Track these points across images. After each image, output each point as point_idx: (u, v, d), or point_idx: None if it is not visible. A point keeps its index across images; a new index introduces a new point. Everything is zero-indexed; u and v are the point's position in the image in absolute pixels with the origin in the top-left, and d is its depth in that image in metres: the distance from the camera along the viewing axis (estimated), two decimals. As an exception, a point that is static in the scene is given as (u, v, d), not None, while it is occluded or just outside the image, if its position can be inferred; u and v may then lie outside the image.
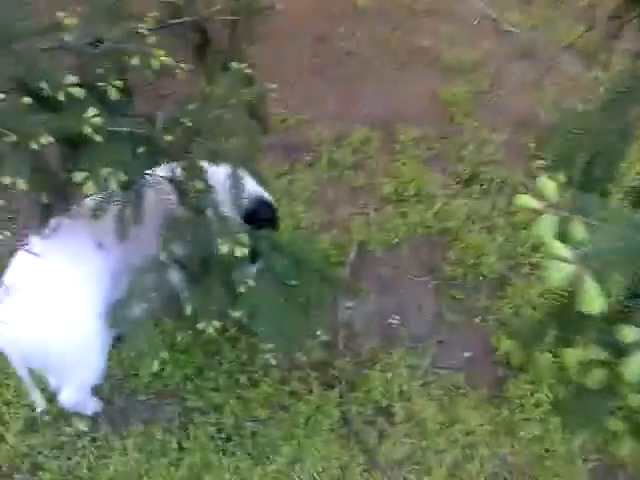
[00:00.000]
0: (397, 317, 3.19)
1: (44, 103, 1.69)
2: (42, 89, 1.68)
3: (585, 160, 1.80)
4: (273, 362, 2.14)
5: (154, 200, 2.01)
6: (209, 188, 1.99)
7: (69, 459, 2.52)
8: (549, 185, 1.31)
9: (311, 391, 2.79)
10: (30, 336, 2.08)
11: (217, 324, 2.03)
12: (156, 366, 2.02)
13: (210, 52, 2.46)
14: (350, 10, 5.19)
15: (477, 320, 3.21)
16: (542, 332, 1.70)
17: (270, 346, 2.10)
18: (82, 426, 2.58)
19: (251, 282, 1.95)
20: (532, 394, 2.86)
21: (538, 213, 1.28)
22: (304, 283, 2.07)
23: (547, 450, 2.71)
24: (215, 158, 1.98)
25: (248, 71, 2.21)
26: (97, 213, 1.91)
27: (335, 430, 2.69)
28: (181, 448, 2.57)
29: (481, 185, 3.85)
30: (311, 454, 2.58)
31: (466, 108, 4.37)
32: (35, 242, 2.09)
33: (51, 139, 1.56)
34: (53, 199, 1.90)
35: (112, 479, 2.47)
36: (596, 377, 1.40)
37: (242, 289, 1.95)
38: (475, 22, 5.25)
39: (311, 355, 2.91)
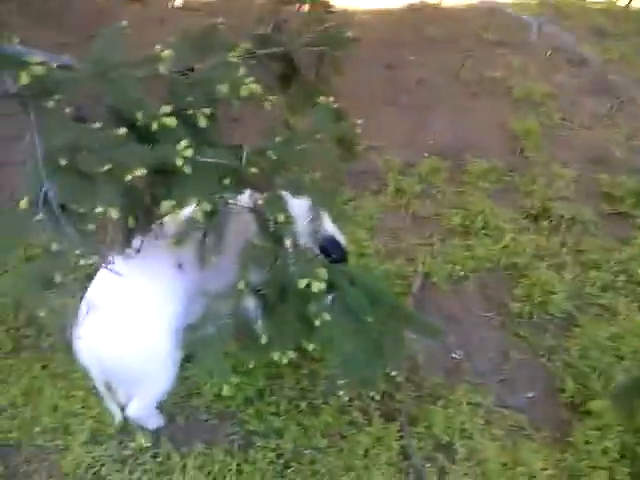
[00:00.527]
0: (460, 352, 3.14)
1: (137, 132, 1.74)
2: (137, 119, 1.74)
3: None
4: (346, 399, 2.12)
5: (235, 228, 2.04)
6: (289, 219, 2.01)
7: (131, 473, 2.55)
8: None
9: (371, 422, 2.77)
10: (109, 351, 2.15)
11: (292, 354, 2.04)
12: (226, 390, 2.04)
13: (296, 82, 2.50)
14: (420, 39, 5.23)
15: (542, 359, 3.14)
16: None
17: (343, 381, 2.08)
18: (145, 442, 2.61)
19: (327, 316, 1.95)
20: (600, 440, 2.77)
21: None
22: (378, 319, 2.06)
23: (615, 498, 2.62)
24: (298, 190, 2.00)
25: (335, 105, 2.24)
26: (179, 238, 1.96)
27: (394, 464, 2.66)
28: (240, 471, 2.58)
29: (550, 221, 3.79)
30: (370, 486, 2.56)
31: (536, 141, 4.33)
32: (118, 261, 2.15)
33: (144, 171, 1.61)
34: (138, 222, 1.95)
35: (172, 497, 2.50)
36: None
37: (317, 322, 1.95)
38: (547, 54, 5.21)
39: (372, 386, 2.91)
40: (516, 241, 3.63)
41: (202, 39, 2.04)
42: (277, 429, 2.72)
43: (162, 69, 1.81)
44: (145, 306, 2.20)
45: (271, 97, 2.08)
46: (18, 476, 2.57)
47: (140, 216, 1.96)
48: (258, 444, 2.66)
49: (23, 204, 1.54)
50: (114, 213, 1.58)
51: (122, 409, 2.47)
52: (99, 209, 1.55)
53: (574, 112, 4.63)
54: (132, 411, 2.48)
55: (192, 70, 2.00)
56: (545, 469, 2.69)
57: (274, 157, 1.95)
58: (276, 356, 2.08)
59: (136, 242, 2.16)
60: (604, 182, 4.11)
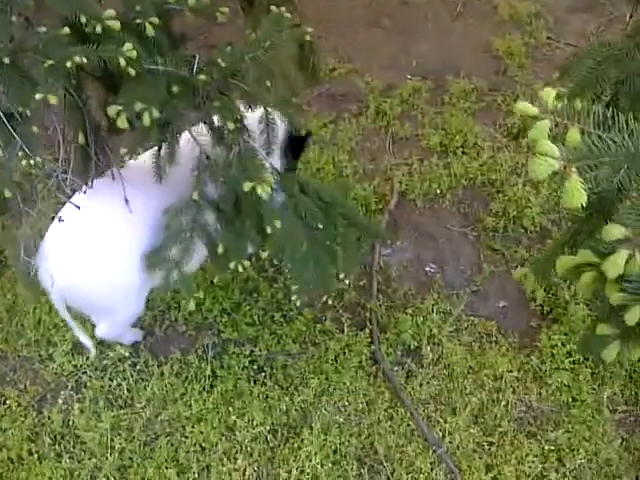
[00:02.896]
0: (434, 266, 3.22)
1: (82, 35, 1.78)
2: (81, 22, 1.77)
3: (610, 90, 1.78)
4: (298, 303, 2.21)
5: (191, 140, 2.09)
6: (243, 129, 2.05)
7: (111, 380, 2.69)
8: (549, 93, 1.34)
9: (342, 331, 2.87)
10: (75, 282, 2.21)
11: (247, 263, 2.12)
12: (192, 306, 2.13)
13: (259, 3, 2.49)
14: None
15: (515, 271, 3.20)
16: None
17: (296, 287, 2.16)
18: (124, 352, 2.73)
19: (278, 223, 2.01)
20: (564, 345, 2.86)
21: (536, 119, 1.31)
22: (330, 226, 2.12)
23: (574, 399, 2.72)
24: (250, 100, 2.04)
25: (288, 15, 2.24)
26: (135, 151, 2.01)
27: (363, 367, 2.77)
28: (215, 376, 2.70)
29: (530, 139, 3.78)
30: (338, 388, 2.68)
31: (520, 61, 4.27)
32: (79, 195, 2.22)
33: (84, 59, 1.65)
34: (88, 140, 1.99)
35: (149, 400, 2.63)
36: (584, 280, 1.41)
37: (269, 229, 2.01)
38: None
39: (345, 297, 3.00)
40: (494, 159, 3.64)
41: None
42: (251, 337, 2.83)
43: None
44: (110, 234, 2.25)
45: (222, 9, 2.10)
46: (4, 384, 2.71)
47: (93, 136, 2.00)
48: (232, 351, 2.77)
49: (-34, 103, 1.59)
50: (53, 99, 1.63)
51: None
52: (38, 95, 1.59)
53: (561, 31, 4.55)
54: (101, 333, 2.54)
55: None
56: (510, 371, 2.80)
57: (223, 65, 1.98)
58: (232, 264, 2.16)
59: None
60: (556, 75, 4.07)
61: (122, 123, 1.84)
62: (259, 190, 1.90)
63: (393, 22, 4.59)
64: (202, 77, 1.96)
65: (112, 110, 1.83)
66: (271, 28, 2.12)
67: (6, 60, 1.62)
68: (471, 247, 3.31)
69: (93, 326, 2.55)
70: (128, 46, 1.77)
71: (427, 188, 3.51)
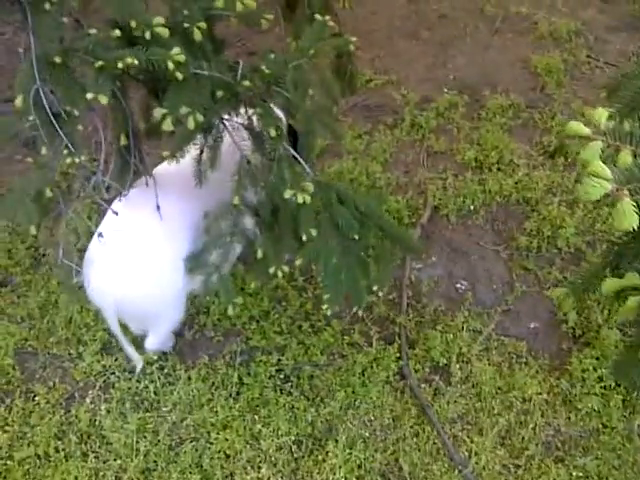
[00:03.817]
0: (465, 283, 3.19)
1: (131, 39, 1.79)
2: (131, 27, 1.78)
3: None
4: (328, 313, 2.19)
5: (231, 146, 2.10)
6: (283, 136, 2.06)
7: (138, 382, 2.69)
8: (601, 114, 1.32)
9: (371, 344, 2.85)
10: (122, 292, 2.24)
11: (286, 269, 2.12)
12: (231, 310, 2.14)
13: (300, 7, 2.50)
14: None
15: (547, 292, 3.16)
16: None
17: (327, 296, 2.15)
18: (152, 355, 2.74)
19: (314, 232, 2.01)
20: (595, 369, 2.81)
21: (587, 140, 1.30)
22: (365, 238, 2.11)
23: (605, 425, 2.66)
24: (290, 107, 2.04)
25: (332, 24, 2.24)
26: (177, 155, 2.02)
27: (390, 383, 2.74)
28: (242, 383, 2.69)
29: (566, 158, 3.74)
30: (364, 402, 2.65)
31: (558, 78, 4.24)
32: (117, 203, 2.24)
33: (135, 61, 1.66)
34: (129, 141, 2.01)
35: (176, 405, 2.63)
36: (630, 304, 1.39)
37: (304, 237, 2.01)
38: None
39: (374, 311, 2.98)
40: (529, 177, 3.61)
41: None
42: (279, 346, 2.82)
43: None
44: (150, 243, 2.28)
45: (267, 15, 2.11)
46: (34, 380, 2.73)
47: (131, 135, 2.01)
48: (260, 359, 2.77)
49: (18, 102, 1.61)
50: (103, 99, 1.64)
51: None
52: (89, 95, 1.61)
53: (601, 50, 4.51)
54: (150, 346, 2.58)
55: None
56: (539, 394, 2.75)
57: (267, 72, 1.98)
58: (272, 269, 2.16)
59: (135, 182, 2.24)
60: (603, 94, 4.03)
61: (167, 126, 1.85)
62: (299, 198, 1.90)
63: (431, 35, 4.59)
64: (246, 83, 1.97)
65: (158, 113, 1.84)
66: (315, 36, 2.13)
67: (57, 60, 1.64)
68: (503, 265, 3.28)
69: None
70: (176, 50, 1.78)
71: (461, 204, 3.49)
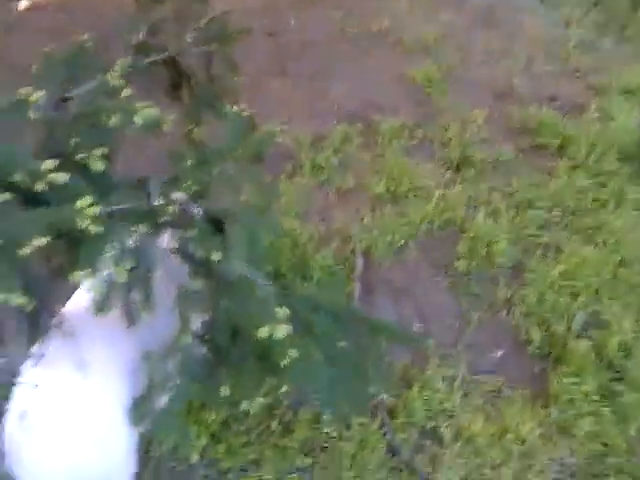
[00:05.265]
0: (420, 325, 2.99)
1: (24, 195, 1.41)
2: (19, 182, 1.39)
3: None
4: (334, 435, 1.90)
5: (162, 276, 1.74)
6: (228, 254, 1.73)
7: None
8: None
9: (349, 426, 2.58)
10: (61, 467, 1.80)
11: (262, 400, 1.79)
12: (195, 457, 1.78)
13: (187, 89, 2.19)
14: (300, 1, 4.93)
15: (501, 314, 3.04)
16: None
17: (327, 415, 1.86)
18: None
19: (294, 353, 1.69)
20: (577, 385, 2.71)
21: None
22: (350, 339, 1.83)
23: (606, 445, 2.56)
24: (230, 218, 1.73)
25: (246, 114, 1.96)
26: (102, 307, 1.63)
27: (384, 464, 2.48)
28: (224, 516, 2.34)
29: (474, 168, 3.66)
30: (366, 499, 2.38)
31: (439, 87, 4.18)
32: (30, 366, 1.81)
33: (43, 240, 1.29)
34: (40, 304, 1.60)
35: None
36: None
37: (284, 363, 1.69)
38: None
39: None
40: (446, 196, 3.49)
41: (71, 62, 1.69)
42: (253, 460, 2.48)
43: (34, 114, 1.47)
44: (86, 403, 1.85)
45: (170, 117, 1.78)
46: None
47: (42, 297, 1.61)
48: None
49: None
50: (19, 300, 1.26)
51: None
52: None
53: (468, 50, 4.52)
54: None
55: (65, 100, 1.66)
56: (532, 429, 2.60)
57: (192, 187, 1.66)
58: (244, 405, 1.83)
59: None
60: (515, 116, 4.04)
61: (93, 288, 1.48)
62: (278, 334, 1.58)
63: (300, 66, 4.37)
64: (169, 209, 1.64)
65: (77, 276, 1.47)
66: (235, 134, 1.83)
67: None
68: (450, 296, 3.12)
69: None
70: (86, 201, 1.41)
71: (388, 241, 3.30)
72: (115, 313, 1.80)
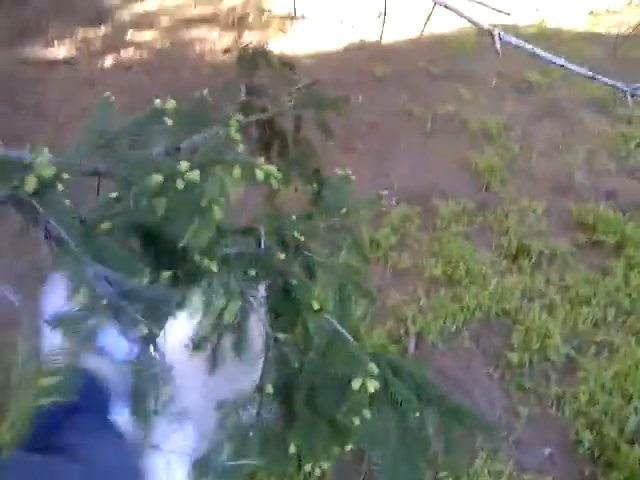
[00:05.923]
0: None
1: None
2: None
3: None
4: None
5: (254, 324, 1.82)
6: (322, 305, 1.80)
7: None
8: None
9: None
10: None
11: (326, 465, 1.82)
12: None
13: (280, 149, 2.31)
14: (366, 79, 5.13)
15: (551, 410, 3.02)
16: None
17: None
18: None
19: (367, 413, 1.72)
20: (628, 495, 2.66)
21: None
22: (424, 415, 1.85)
23: None
24: (319, 273, 1.80)
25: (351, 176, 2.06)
26: (200, 346, 1.70)
27: None
28: None
29: (530, 259, 3.70)
30: None
31: (500, 175, 4.27)
32: None
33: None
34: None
35: None
36: None
37: (356, 422, 1.71)
38: (493, 83, 5.20)
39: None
40: (502, 285, 3.52)
41: (194, 116, 1.81)
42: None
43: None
44: None
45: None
46: None
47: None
48: None
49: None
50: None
51: None
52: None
53: (530, 141, 4.61)
54: None
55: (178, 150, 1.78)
56: (582, 536, 2.56)
57: (300, 237, 1.74)
58: (308, 467, 1.86)
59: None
60: (573, 211, 4.08)
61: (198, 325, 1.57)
62: (370, 387, 1.61)
63: (366, 145, 4.52)
64: (281, 256, 1.73)
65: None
66: (341, 191, 1.92)
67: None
68: (500, 388, 3.11)
69: None
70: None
71: (442, 325, 3.33)
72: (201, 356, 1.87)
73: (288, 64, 2.68)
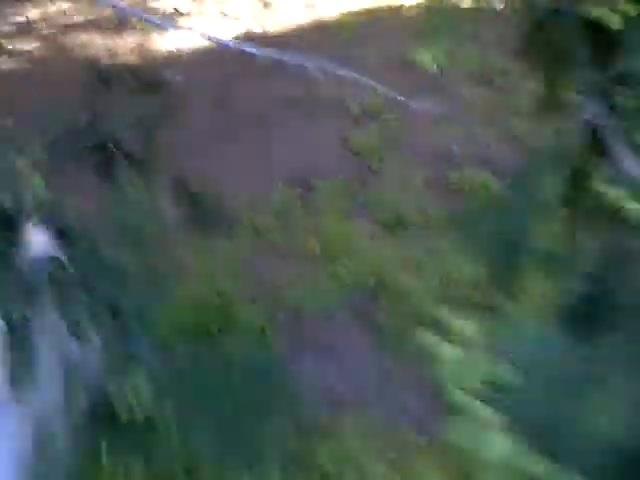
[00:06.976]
0: (341, 381, 3.11)
1: None
2: None
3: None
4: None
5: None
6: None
7: None
8: None
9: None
10: None
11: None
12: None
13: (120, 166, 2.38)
14: (252, 69, 5.16)
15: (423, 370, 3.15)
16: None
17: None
18: None
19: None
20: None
21: None
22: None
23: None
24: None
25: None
26: None
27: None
28: None
29: (407, 230, 3.83)
30: None
31: (380, 152, 4.38)
32: None
33: None
34: None
35: None
36: None
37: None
38: (373, 63, 5.28)
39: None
40: (379, 257, 3.64)
41: None
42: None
43: None
44: None
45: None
46: None
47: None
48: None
49: None
50: None
51: None
52: None
53: (410, 116, 4.72)
54: None
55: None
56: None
57: None
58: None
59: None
60: (452, 180, 4.21)
61: None
62: None
63: (248, 133, 4.57)
64: None
65: None
66: None
67: None
68: (376, 354, 3.24)
69: None
70: None
71: (319, 301, 3.44)
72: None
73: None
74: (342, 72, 4.58)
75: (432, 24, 5.52)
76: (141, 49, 5.12)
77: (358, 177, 4.20)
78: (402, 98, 4.82)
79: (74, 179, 2.31)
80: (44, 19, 5.60)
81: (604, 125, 1.85)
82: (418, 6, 5.79)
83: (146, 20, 4.52)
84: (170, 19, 5.42)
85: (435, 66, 5.26)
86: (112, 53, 5.15)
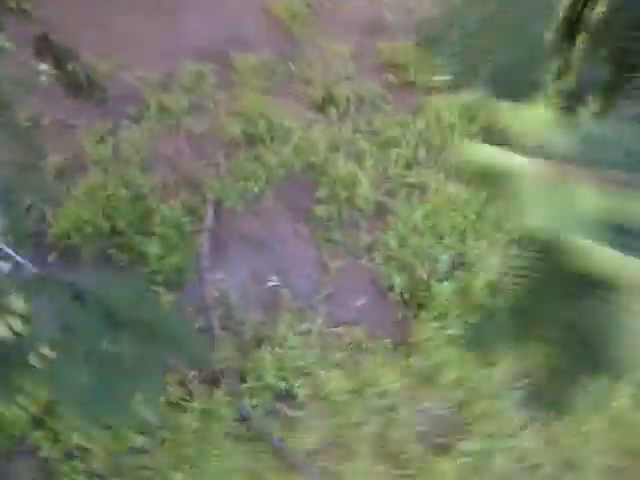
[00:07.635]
0: (275, 278, 2.75)
1: None
2: None
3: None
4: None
5: None
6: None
7: None
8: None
9: (191, 394, 2.31)
10: None
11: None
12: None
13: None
14: None
15: (362, 261, 2.83)
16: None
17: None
18: None
19: (48, 352, 1.36)
20: (439, 331, 2.55)
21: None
22: (119, 342, 1.50)
23: (472, 390, 2.42)
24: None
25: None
26: None
27: (232, 434, 2.25)
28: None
29: (337, 107, 3.40)
30: (209, 474, 2.13)
31: (303, 19, 3.85)
32: None
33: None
34: None
35: None
36: None
37: (36, 363, 1.37)
38: None
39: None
40: (307, 138, 3.21)
41: None
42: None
43: None
44: None
45: None
46: None
47: None
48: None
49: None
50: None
51: None
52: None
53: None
54: None
55: None
56: (393, 382, 2.43)
57: None
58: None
59: None
60: (384, 52, 3.77)
61: None
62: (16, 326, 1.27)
63: (155, 2, 3.92)
64: None
65: None
66: None
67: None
68: (308, 245, 2.88)
69: None
70: None
71: (243, 188, 3.00)
72: None
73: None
74: None
75: None
76: None
77: (281, 50, 3.67)
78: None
79: None
80: None
81: None
82: None
83: None
84: None
85: None
86: None
